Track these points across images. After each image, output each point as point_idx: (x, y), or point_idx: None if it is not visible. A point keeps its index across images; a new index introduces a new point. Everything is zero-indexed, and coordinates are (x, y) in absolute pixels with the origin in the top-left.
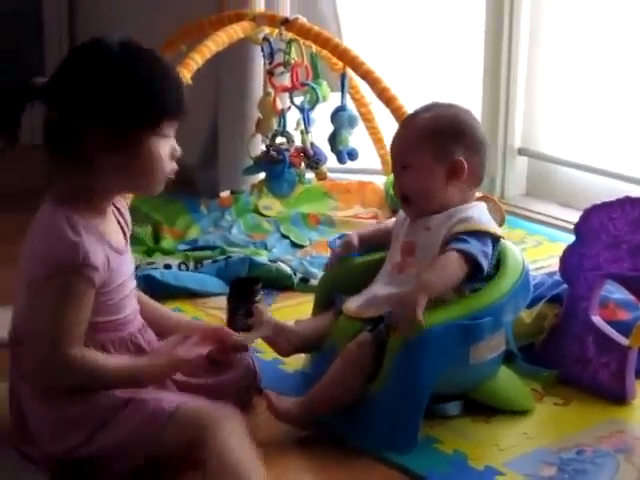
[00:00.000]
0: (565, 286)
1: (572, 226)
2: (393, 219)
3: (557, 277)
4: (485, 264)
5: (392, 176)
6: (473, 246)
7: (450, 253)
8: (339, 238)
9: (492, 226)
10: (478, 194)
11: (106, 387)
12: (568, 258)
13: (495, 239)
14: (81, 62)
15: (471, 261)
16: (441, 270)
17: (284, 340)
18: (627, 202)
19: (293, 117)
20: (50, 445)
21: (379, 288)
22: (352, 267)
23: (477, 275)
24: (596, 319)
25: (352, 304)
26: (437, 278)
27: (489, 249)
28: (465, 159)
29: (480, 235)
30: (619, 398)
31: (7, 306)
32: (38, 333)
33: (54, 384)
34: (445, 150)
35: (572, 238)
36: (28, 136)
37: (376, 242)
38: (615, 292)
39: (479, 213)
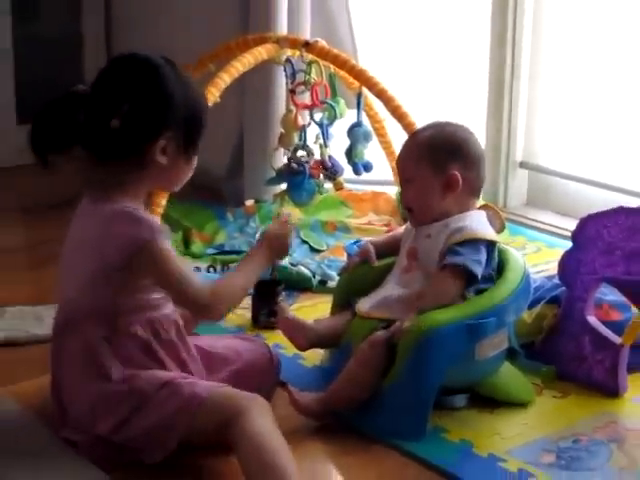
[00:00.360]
0: (563, 288)
1: (569, 234)
2: (403, 227)
3: (555, 280)
4: (478, 270)
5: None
6: (466, 257)
7: (443, 274)
8: (354, 243)
9: (486, 232)
10: (481, 202)
11: (245, 291)
12: (566, 263)
13: (490, 244)
14: (136, 74)
15: (464, 272)
16: (435, 297)
17: (302, 336)
18: (621, 212)
19: (313, 132)
20: (90, 427)
21: (389, 289)
22: (367, 271)
23: (472, 281)
24: (591, 319)
25: (364, 305)
26: (431, 305)
27: (483, 256)
28: (461, 173)
29: (473, 243)
30: (613, 392)
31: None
32: (178, 293)
33: (218, 314)
34: (441, 165)
35: (569, 245)
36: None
37: (389, 250)
38: (609, 294)
39: (472, 221)
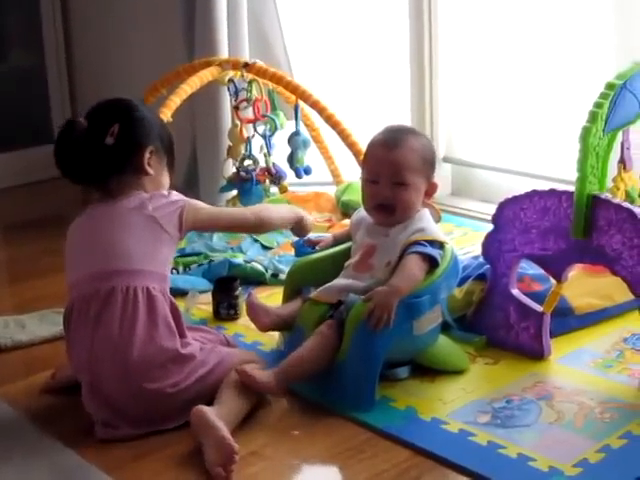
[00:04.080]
0: (488, 266)
1: (490, 217)
2: (346, 221)
3: (481, 259)
4: (440, 260)
5: (351, 186)
6: (431, 250)
7: (412, 256)
8: (301, 240)
9: (440, 235)
10: None
11: (279, 220)
12: (489, 243)
13: (442, 244)
14: (120, 104)
15: (429, 260)
16: (408, 276)
17: (265, 318)
18: (535, 195)
19: (257, 143)
20: (154, 381)
21: (338, 280)
22: (313, 263)
23: (433, 269)
24: (515, 291)
25: (315, 291)
26: (406, 284)
27: (441, 251)
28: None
29: (432, 242)
30: (539, 355)
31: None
32: (231, 224)
33: (264, 230)
34: (429, 175)
35: (491, 227)
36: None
37: (349, 240)
38: (529, 268)
39: (429, 223)
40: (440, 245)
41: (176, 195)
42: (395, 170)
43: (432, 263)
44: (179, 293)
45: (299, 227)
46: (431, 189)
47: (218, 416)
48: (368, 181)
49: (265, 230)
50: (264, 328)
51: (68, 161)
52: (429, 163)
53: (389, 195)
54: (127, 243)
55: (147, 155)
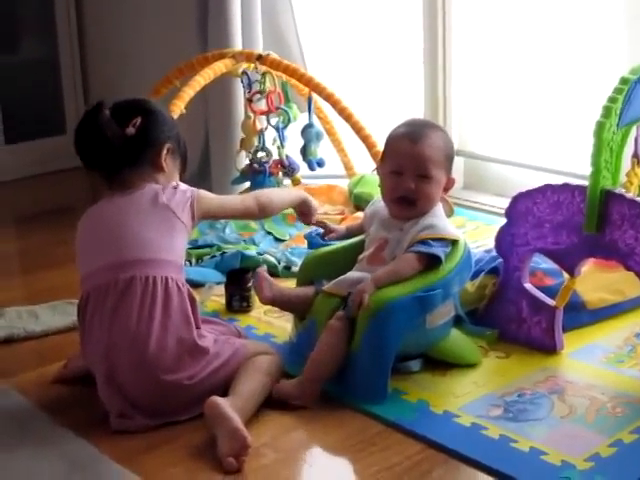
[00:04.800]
0: (501, 260)
1: (503, 211)
2: (359, 214)
3: (493, 253)
4: (444, 258)
5: (364, 178)
6: (435, 249)
7: (407, 255)
8: (314, 232)
9: (453, 232)
10: None
11: (280, 203)
12: (502, 237)
13: (454, 242)
14: (142, 101)
15: (428, 259)
16: (392, 272)
17: (268, 289)
18: (548, 189)
19: (270, 135)
20: (171, 372)
21: (351, 273)
22: (325, 256)
23: (438, 266)
24: (528, 285)
25: (327, 284)
26: (385, 277)
27: (448, 248)
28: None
29: (439, 240)
30: (551, 350)
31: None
32: (235, 212)
33: (266, 216)
34: (449, 170)
35: (504, 221)
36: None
37: (362, 232)
38: (542, 263)
39: (441, 219)
40: (448, 243)
41: (184, 186)
42: (420, 163)
43: (435, 261)
44: (192, 285)
45: (303, 210)
46: (449, 184)
47: (232, 407)
48: (391, 173)
49: (267, 214)
50: (265, 301)
51: (87, 145)
52: (450, 158)
53: (412, 188)
54: (145, 233)
55: (164, 152)
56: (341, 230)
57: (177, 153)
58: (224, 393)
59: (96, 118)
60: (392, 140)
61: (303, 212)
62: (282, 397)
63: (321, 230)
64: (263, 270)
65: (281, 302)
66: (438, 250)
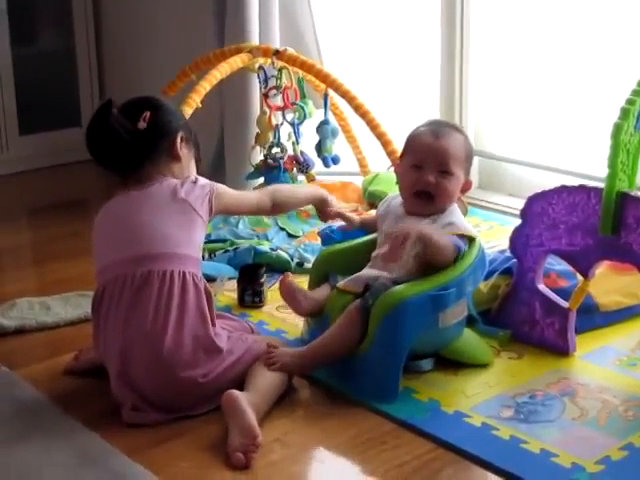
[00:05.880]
0: (514, 261)
1: (518, 212)
2: (373, 211)
3: (507, 254)
4: (462, 254)
5: (379, 176)
6: (459, 242)
7: (447, 237)
8: (327, 229)
9: (470, 230)
10: None
11: (296, 200)
12: (516, 238)
13: (470, 239)
14: (150, 97)
15: (457, 252)
16: (438, 240)
17: (305, 301)
18: (563, 190)
19: (285, 131)
20: (184, 371)
21: (367, 270)
22: (338, 252)
23: (455, 262)
24: (541, 287)
25: (342, 281)
26: (436, 238)
27: (466, 246)
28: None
29: (461, 237)
30: (563, 351)
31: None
32: (250, 207)
33: (280, 213)
34: (467, 171)
35: (518, 222)
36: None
37: (376, 228)
38: (556, 264)
39: (458, 218)
40: (468, 240)
41: (203, 180)
42: (442, 158)
43: (457, 254)
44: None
45: (321, 208)
46: (466, 185)
47: (249, 403)
48: (411, 167)
49: (282, 211)
50: (304, 312)
51: (101, 144)
52: (469, 159)
53: (433, 182)
54: (163, 227)
55: (179, 140)
56: (356, 220)
57: (191, 142)
58: (238, 389)
59: (107, 117)
60: (414, 136)
61: (323, 210)
62: (278, 364)
63: (335, 226)
64: (291, 279)
65: (315, 310)
66: (461, 244)
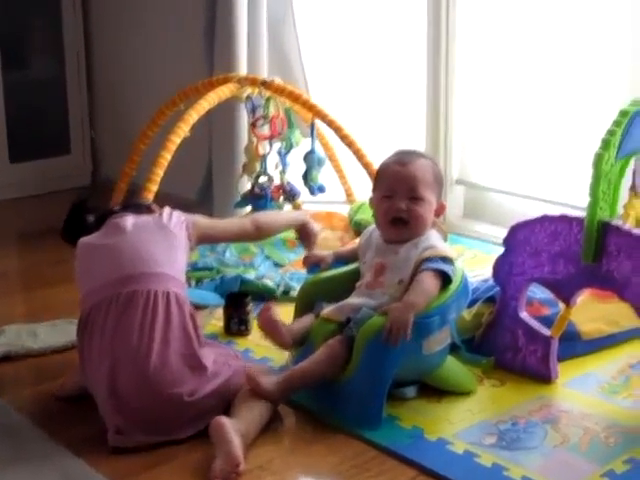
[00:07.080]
0: (498, 289)
1: (501, 240)
2: (357, 240)
3: (491, 282)
4: (452, 276)
5: (364, 205)
6: (444, 265)
7: (426, 273)
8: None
9: (450, 252)
10: None
11: (281, 225)
12: (499, 266)
13: (452, 261)
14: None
15: (442, 276)
16: (423, 291)
17: (288, 335)
18: (545, 219)
19: (273, 160)
20: (172, 387)
21: (351, 299)
22: (324, 281)
23: (446, 286)
24: (524, 315)
25: (326, 309)
26: (421, 298)
27: (453, 266)
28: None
29: (444, 259)
30: (545, 379)
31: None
32: (232, 235)
33: (263, 238)
34: (439, 195)
35: (502, 250)
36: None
37: (353, 257)
38: (538, 292)
39: (438, 241)
40: (451, 261)
41: (178, 211)
42: (411, 184)
43: (445, 279)
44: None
45: (304, 233)
46: (440, 209)
47: (237, 431)
48: (383, 197)
49: (265, 236)
50: (287, 346)
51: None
52: (439, 182)
53: (404, 209)
54: (146, 248)
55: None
56: (329, 256)
57: None
58: (222, 413)
59: (82, 222)
60: (382, 168)
61: (304, 236)
62: (252, 383)
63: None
64: (274, 313)
65: (297, 342)
66: (447, 267)
